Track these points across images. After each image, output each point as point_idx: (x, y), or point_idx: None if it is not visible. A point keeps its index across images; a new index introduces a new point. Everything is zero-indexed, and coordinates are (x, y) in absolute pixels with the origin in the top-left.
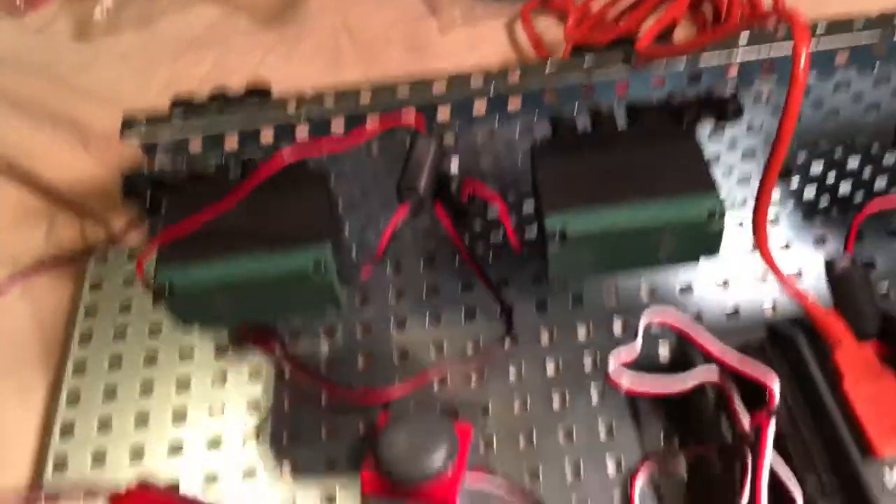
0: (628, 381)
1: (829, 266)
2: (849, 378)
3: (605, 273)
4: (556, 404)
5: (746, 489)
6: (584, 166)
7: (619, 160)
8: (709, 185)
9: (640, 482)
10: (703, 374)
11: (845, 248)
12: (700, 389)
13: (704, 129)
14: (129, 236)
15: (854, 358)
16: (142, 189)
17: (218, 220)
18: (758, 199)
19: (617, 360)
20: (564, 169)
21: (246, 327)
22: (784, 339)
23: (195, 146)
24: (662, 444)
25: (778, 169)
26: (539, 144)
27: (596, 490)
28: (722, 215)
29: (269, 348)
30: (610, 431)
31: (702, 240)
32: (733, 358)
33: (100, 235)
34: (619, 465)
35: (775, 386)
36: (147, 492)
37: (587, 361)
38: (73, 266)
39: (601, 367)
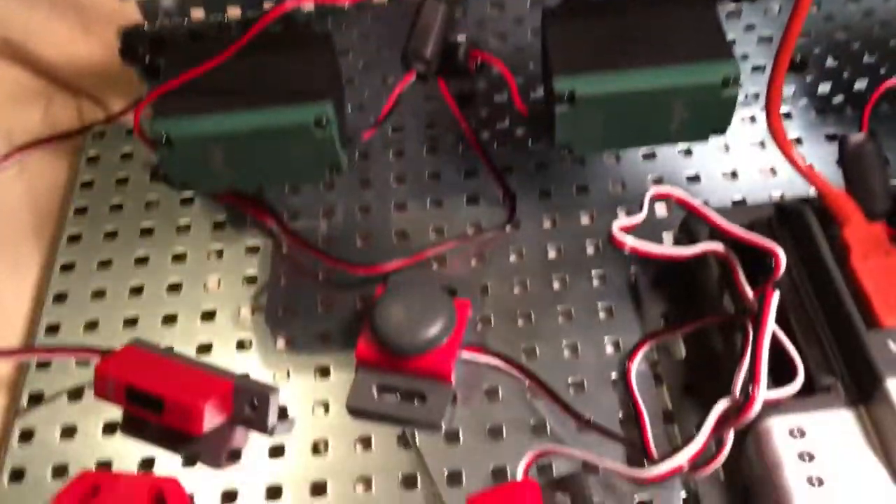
0: (632, 242)
1: (843, 141)
2: (856, 253)
3: (613, 147)
4: (555, 286)
5: (746, 360)
6: (597, 32)
7: (632, 26)
8: (725, 52)
9: (638, 362)
10: (707, 246)
11: (860, 129)
12: (704, 265)
13: (722, 10)
14: (128, 117)
15: (863, 235)
16: (141, 47)
17: (219, 76)
18: (773, 70)
19: (621, 223)
20: (576, 34)
21: (245, 200)
22: (792, 215)
23: (196, 9)
24: (662, 325)
25: (796, 34)
26: (550, 10)
27: (593, 369)
28: (737, 80)
29: (267, 222)
30: (609, 313)
31: (714, 110)
32: (739, 230)
33: (98, 116)
34: (617, 345)
35: (781, 254)
36: (139, 350)
37: (589, 247)
38: (69, 144)
39: (603, 253)
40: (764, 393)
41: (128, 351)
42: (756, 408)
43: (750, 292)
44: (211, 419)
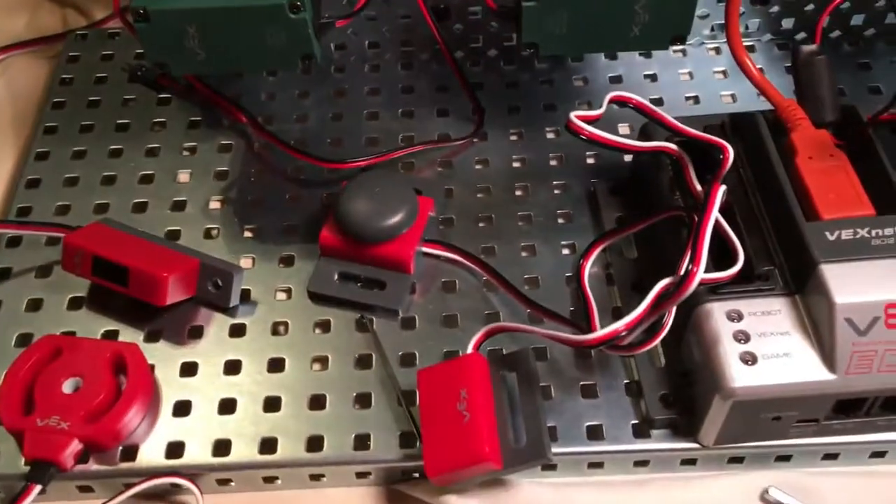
0: (589, 128)
1: (796, 50)
2: (802, 155)
3: (577, 50)
4: (517, 193)
5: (689, 251)
6: None
7: None
8: None
9: (591, 264)
10: (661, 143)
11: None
12: (657, 167)
13: None
14: (110, 24)
15: (809, 140)
16: None
17: None
18: None
19: (578, 113)
20: None
21: (220, 99)
22: (743, 121)
23: None
24: (615, 228)
25: None
26: None
27: (548, 268)
28: None
29: (241, 120)
30: (568, 219)
31: (674, 11)
32: (692, 130)
33: (81, 23)
34: (573, 248)
35: (729, 148)
36: (107, 227)
37: (552, 160)
38: (52, 48)
39: (566, 165)
40: (702, 271)
41: (96, 226)
42: (694, 283)
43: (699, 187)
44: (174, 293)
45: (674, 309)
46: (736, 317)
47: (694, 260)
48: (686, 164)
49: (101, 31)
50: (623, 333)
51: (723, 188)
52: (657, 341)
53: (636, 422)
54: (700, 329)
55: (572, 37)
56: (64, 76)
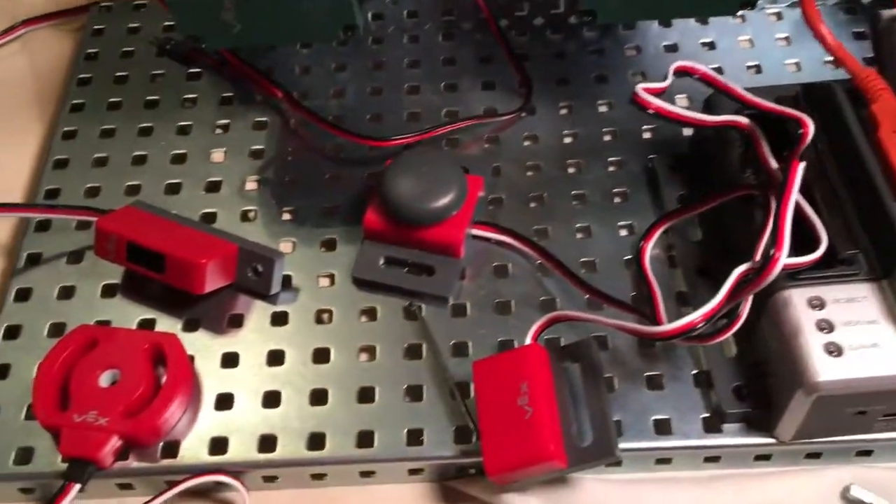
0: (657, 102)
1: (875, 17)
2: (885, 128)
3: (637, 16)
4: (570, 171)
5: (768, 228)
6: None
7: None
8: None
9: (652, 245)
10: (732, 117)
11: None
12: (725, 142)
13: None
14: None
15: (892, 111)
16: None
17: None
18: None
19: (644, 86)
20: None
21: (254, 73)
22: (819, 92)
23: None
24: (678, 207)
25: None
26: None
27: (606, 250)
28: None
29: (276, 95)
30: (624, 198)
31: None
32: (766, 102)
33: None
34: (631, 229)
35: (809, 122)
36: (140, 210)
37: (606, 136)
38: (75, 20)
39: (621, 140)
40: (785, 256)
41: (129, 210)
42: (777, 269)
43: (774, 164)
44: (213, 280)
45: (751, 297)
46: (818, 304)
47: (776, 244)
48: (759, 138)
49: (126, 2)
50: (700, 325)
51: (802, 165)
52: (733, 331)
53: (706, 415)
54: (778, 318)
55: (633, 2)
56: (89, 51)
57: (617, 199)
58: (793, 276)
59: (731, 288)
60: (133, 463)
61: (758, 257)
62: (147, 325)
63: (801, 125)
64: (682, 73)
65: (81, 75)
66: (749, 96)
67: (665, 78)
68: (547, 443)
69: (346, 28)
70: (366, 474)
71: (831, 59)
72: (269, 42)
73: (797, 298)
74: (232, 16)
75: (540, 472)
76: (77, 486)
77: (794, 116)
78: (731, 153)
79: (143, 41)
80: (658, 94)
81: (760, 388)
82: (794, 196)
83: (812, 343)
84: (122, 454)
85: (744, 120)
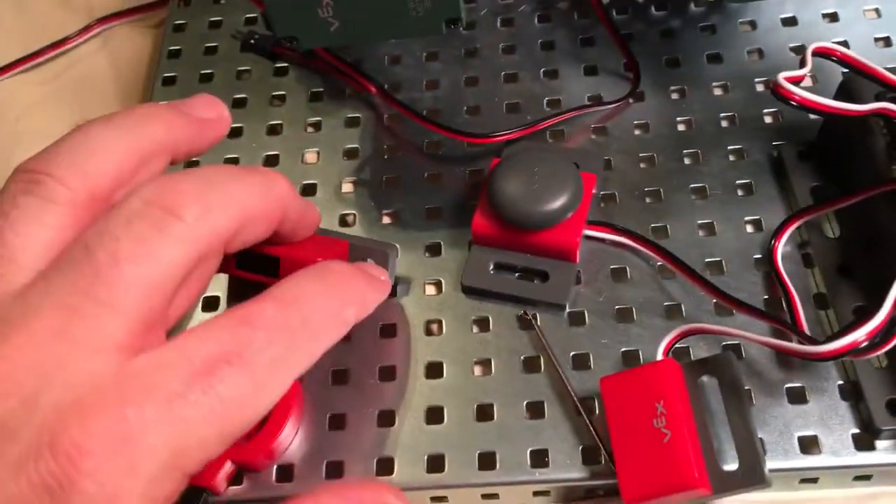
0: (801, 93)
1: None
2: None
3: None
4: (686, 162)
5: None
6: None
7: None
8: None
9: (785, 242)
10: (881, 104)
11: None
12: (867, 131)
13: None
14: None
15: None
16: None
17: None
18: None
19: (786, 74)
20: None
21: (343, 68)
22: None
23: None
24: (812, 202)
25: None
26: None
27: (732, 249)
28: None
29: (367, 90)
30: (749, 191)
31: None
32: None
33: None
34: (758, 225)
35: None
36: None
37: (723, 121)
38: (153, 16)
39: (741, 126)
40: None
41: None
42: None
43: None
44: None
45: None
46: None
47: None
48: None
49: None
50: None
51: None
52: (892, 345)
53: (857, 431)
54: None
55: None
56: (172, 48)
57: (741, 192)
58: None
59: (895, 300)
60: (247, 488)
61: None
62: None
63: None
64: (820, 54)
65: (166, 74)
66: None
67: (803, 63)
68: (691, 469)
69: (448, 21)
70: (488, 496)
71: None
72: (368, 40)
73: None
74: (330, 14)
75: (682, 500)
76: None
77: None
78: (875, 142)
79: (225, 36)
80: (798, 81)
81: None
82: None
83: None
84: (235, 479)
85: (894, 107)
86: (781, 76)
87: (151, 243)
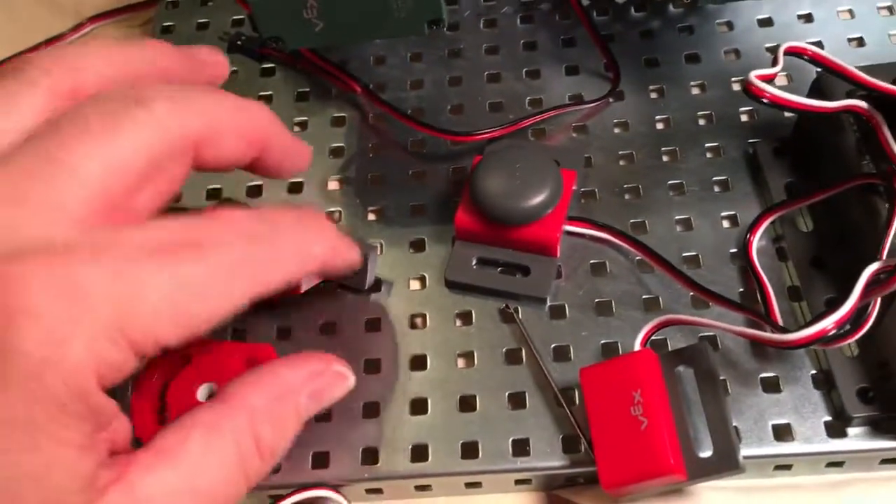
0: (772, 90)
1: None
2: None
3: None
4: (664, 159)
5: (893, 231)
6: None
7: None
8: None
9: (760, 236)
10: (850, 101)
11: None
12: (837, 128)
13: None
14: None
15: None
16: None
17: None
18: None
19: (758, 73)
20: None
21: (329, 68)
22: None
23: None
24: (786, 198)
25: None
26: None
27: (709, 243)
28: None
29: (353, 90)
30: (725, 187)
31: None
32: (885, 83)
33: None
34: (734, 220)
35: None
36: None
37: (701, 119)
38: (141, 16)
39: (718, 124)
40: None
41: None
42: None
43: None
44: (307, 279)
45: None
46: None
47: None
48: (880, 123)
49: None
50: (832, 331)
51: None
52: (861, 334)
53: (829, 419)
54: None
55: None
56: None
57: (717, 189)
58: None
59: (863, 289)
60: None
61: (884, 255)
62: (238, 336)
63: None
64: (791, 53)
65: None
66: (866, 77)
67: (775, 62)
68: (666, 456)
69: (430, 22)
70: (472, 485)
71: None
72: (352, 40)
73: None
74: (315, 15)
75: (658, 485)
76: None
77: None
78: (846, 139)
79: (212, 37)
80: (770, 80)
81: (888, 390)
82: None
83: None
84: None
85: (863, 104)
86: (753, 74)
87: (118, 123)
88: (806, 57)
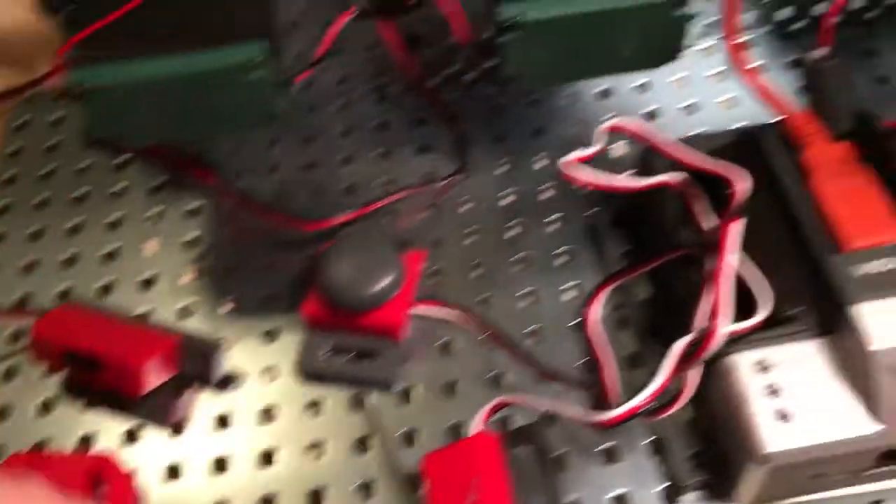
0: (585, 174)
1: (805, 61)
2: (818, 175)
3: (564, 79)
4: (511, 233)
5: (705, 300)
6: None
7: None
8: None
9: (601, 306)
10: (664, 177)
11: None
12: (662, 199)
13: None
14: (58, 79)
15: (825, 156)
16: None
17: (141, 18)
18: None
19: (570, 157)
20: None
21: (184, 159)
22: (752, 140)
23: None
24: (622, 267)
25: None
26: None
27: (551, 316)
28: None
29: (207, 180)
30: (570, 257)
31: (666, 32)
32: (697, 158)
33: (20, 81)
34: (578, 289)
35: (740, 181)
36: (72, 309)
37: (547, 192)
38: None
39: (562, 196)
40: (725, 326)
41: (64, 310)
42: (716, 342)
43: (708, 223)
44: (153, 379)
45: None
46: (763, 367)
47: (712, 312)
48: (691, 198)
49: (48, 92)
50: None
51: (737, 227)
52: (680, 405)
53: (664, 486)
54: (723, 385)
55: (558, 65)
56: (11, 149)
57: (561, 260)
58: (735, 340)
59: (674, 365)
60: None
61: (695, 325)
62: (87, 440)
63: (729, 185)
64: (611, 132)
65: (5, 175)
66: (680, 154)
67: (595, 142)
68: None
69: (266, 117)
70: None
71: None
72: (191, 135)
73: (742, 363)
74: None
75: None
76: None
77: (720, 176)
78: (666, 211)
79: (68, 133)
80: (589, 160)
81: (718, 455)
82: (731, 259)
83: (759, 411)
84: None
85: (676, 179)
86: (562, 161)
87: None
88: (626, 134)
